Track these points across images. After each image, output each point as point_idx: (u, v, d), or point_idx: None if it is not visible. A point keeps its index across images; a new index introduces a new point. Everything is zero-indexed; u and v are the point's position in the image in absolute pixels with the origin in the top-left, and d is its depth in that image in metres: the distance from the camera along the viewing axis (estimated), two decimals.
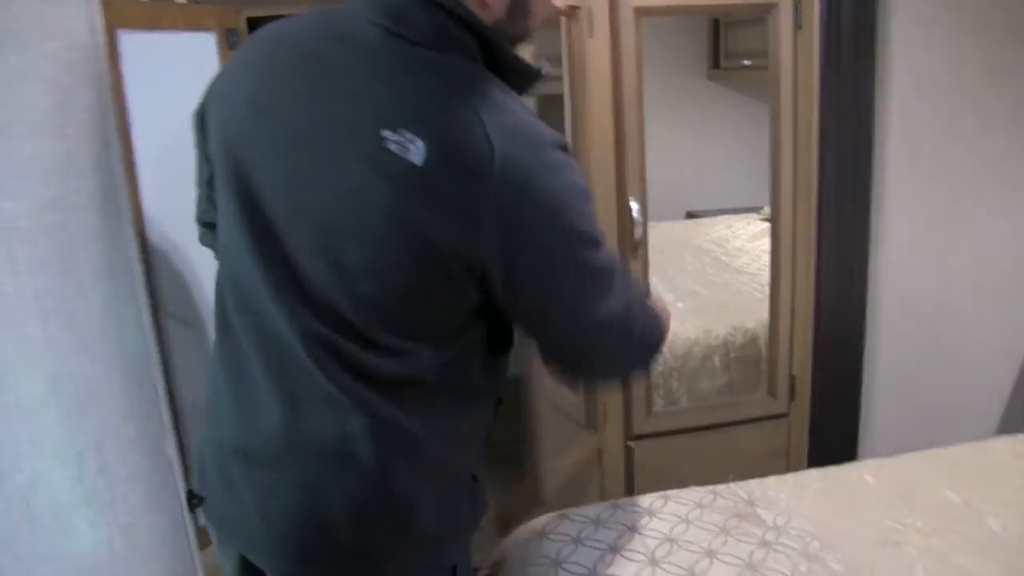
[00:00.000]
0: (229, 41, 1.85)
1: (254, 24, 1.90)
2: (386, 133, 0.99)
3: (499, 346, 1.21)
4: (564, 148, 1.07)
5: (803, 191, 2.44)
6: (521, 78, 1.14)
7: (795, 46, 2.34)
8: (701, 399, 2.78)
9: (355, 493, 1.11)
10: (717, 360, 2.82)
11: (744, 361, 2.83)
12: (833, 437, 2.62)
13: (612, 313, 1.13)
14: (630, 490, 2.52)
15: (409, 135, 0.99)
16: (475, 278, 1.04)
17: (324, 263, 1.06)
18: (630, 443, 2.50)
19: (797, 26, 2.33)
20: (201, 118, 1.20)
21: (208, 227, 1.33)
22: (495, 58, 1.09)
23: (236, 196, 1.12)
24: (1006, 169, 2.59)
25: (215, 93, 1.19)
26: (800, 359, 2.57)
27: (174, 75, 1.62)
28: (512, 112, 1.04)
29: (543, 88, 1.24)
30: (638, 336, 1.21)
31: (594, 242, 1.09)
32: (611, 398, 2.42)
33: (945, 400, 2.75)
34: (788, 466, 2.63)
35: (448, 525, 1.21)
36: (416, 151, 0.98)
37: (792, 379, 2.59)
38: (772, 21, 2.34)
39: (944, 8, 2.39)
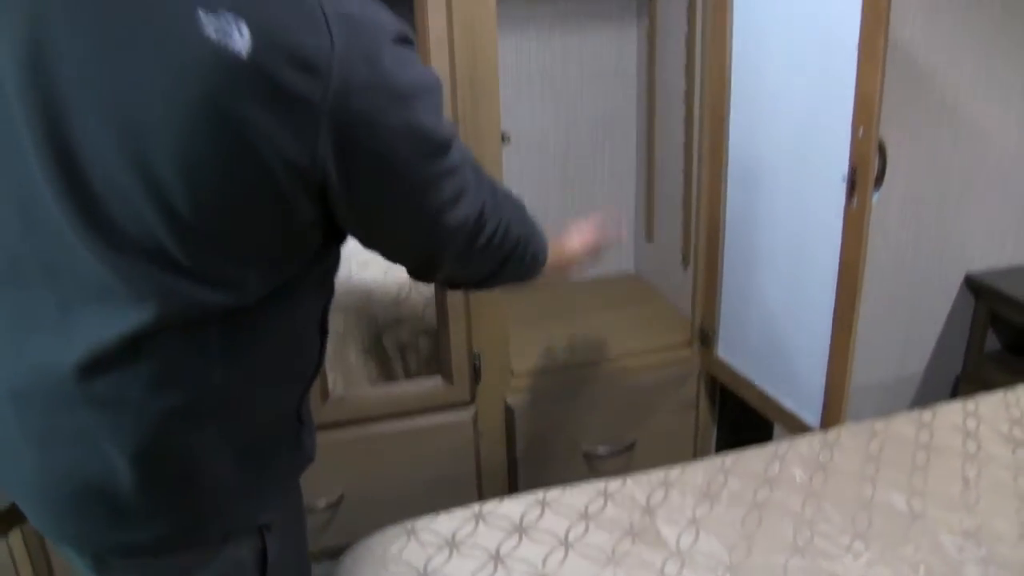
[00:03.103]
0: None
1: None
2: (201, 13, 0.81)
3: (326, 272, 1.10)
4: (408, 40, 0.94)
5: None
6: None
7: None
8: None
9: (130, 444, 0.96)
10: None
11: None
12: None
13: (462, 219, 1.05)
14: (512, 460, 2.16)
15: (231, 17, 0.82)
16: (309, 188, 0.91)
17: (133, 176, 0.86)
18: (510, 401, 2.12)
19: None
20: None
21: None
22: None
23: (25, 87, 0.87)
24: None
25: None
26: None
27: None
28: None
29: None
30: (500, 241, 1.14)
31: (443, 142, 0.98)
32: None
33: None
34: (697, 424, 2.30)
35: (252, 478, 1.07)
36: (239, 39, 0.82)
37: None
38: None
39: None
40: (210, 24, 0.81)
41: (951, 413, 1.72)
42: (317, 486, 1.94)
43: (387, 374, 2.13)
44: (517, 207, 1.20)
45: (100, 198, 0.87)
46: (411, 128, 0.93)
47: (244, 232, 0.93)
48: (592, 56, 2.51)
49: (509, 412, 2.09)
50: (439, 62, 1.74)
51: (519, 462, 2.11)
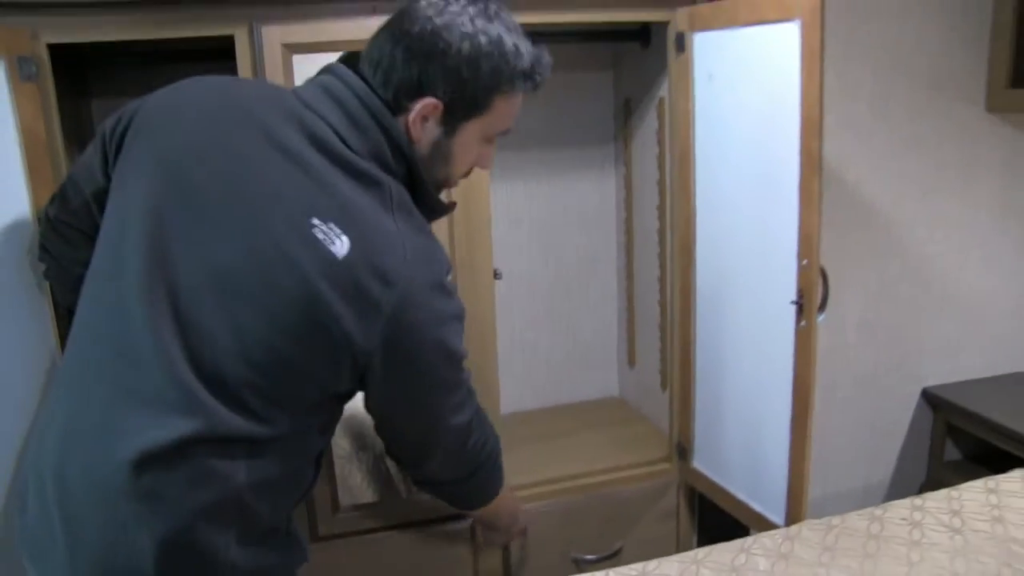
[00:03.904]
0: (23, 71, 1.58)
1: (59, 52, 1.68)
2: (315, 221, 1.12)
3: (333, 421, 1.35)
4: (449, 274, 1.27)
5: None
6: (431, 212, 1.31)
7: None
8: None
9: (160, 533, 1.10)
10: None
11: None
12: None
13: (460, 424, 1.38)
14: None
15: (337, 229, 1.12)
16: (357, 367, 1.18)
17: (220, 317, 1.12)
18: None
19: None
20: (122, 133, 1.23)
21: (47, 253, 1.46)
22: (417, 189, 1.26)
23: (147, 220, 1.14)
24: None
25: (154, 115, 1.22)
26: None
27: None
28: (426, 235, 1.25)
29: None
30: (479, 448, 1.48)
31: (459, 359, 1.31)
32: None
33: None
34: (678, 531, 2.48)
35: (257, 569, 1.22)
36: (340, 245, 1.12)
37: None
38: None
39: None
40: (320, 229, 1.11)
41: (900, 508, 1.91)
42: None
43: (389, 492, 2.32)
44: (492, 427, 1.54)
45: (186, 328, 1.11)
46: (441, 342, 1.24)
47: (295, 384, 1.18)
48: (576, 201, 2.80)
49: None
50: None
51: (513, 569, 2.27)
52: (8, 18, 1.61)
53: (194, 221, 1.14)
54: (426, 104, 1.21)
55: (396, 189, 1.21)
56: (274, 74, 1.78)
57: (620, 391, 2.99)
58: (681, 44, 2.16)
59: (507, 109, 1.28)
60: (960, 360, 2.95)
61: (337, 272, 1.11)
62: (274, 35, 1.77)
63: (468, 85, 1.21)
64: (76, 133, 1.77)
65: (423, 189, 1.26)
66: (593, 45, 2.65)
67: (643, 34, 2.49)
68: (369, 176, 1.18)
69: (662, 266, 2.50)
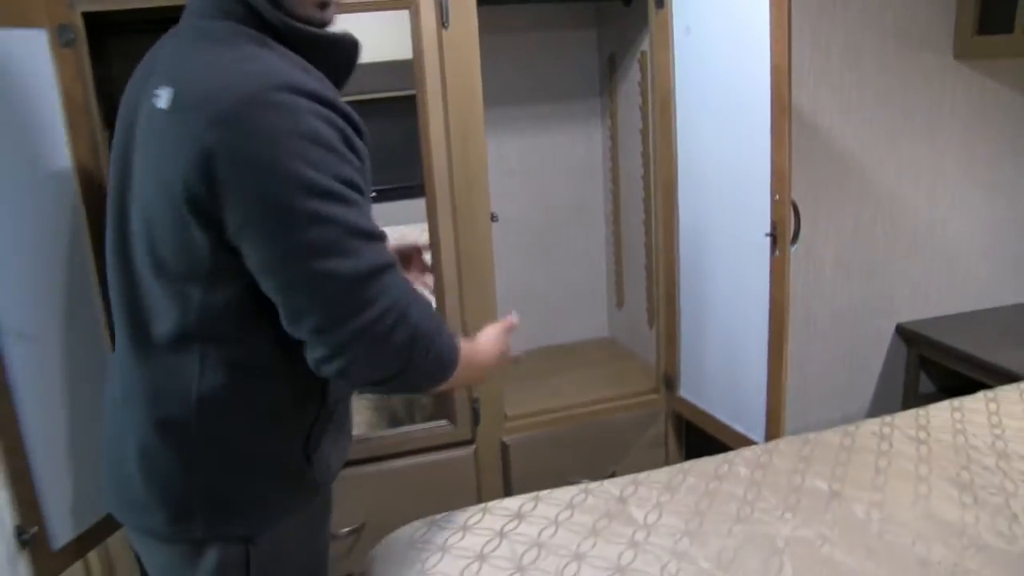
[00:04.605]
0: (62, 38, 1.73)
1: (93, 20, 1.83)
2: (152, 91, 1.14)
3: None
4: (310, 95, 1.09)
5: None
6: (304, 42, 1.19)
7: None
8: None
9: (140, 441, 1.23)
10: None
11: None
12: None
13: (332, 271, 1.09)
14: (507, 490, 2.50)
15: (162, 87, 1.12)
16: (197, 212, 1.08)
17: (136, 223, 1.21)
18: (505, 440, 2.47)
19: None
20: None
21: None
22: (268, 23, 1.17)
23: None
24: None
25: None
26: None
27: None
28: (259, 60, 1.11)
29: None
30: (393, 324, 1.14)
31: (322, 191, 1.07)
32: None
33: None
34: (667, 456, 2.66)
35: (235, 494, 1.27)
36: (163, 97, 1.10)
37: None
38: None
39: None
40: (155, 95, 1.13)
41: (871, 425, 2.08)
42: (340, 516, 2.26)
43: (397, 424, 2.49)
44: (424, 303, 1.22)
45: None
46: (281, 167, 1.04)
47: (173, 249, 1.15)
48: (565, 151, 2.97)
49: (504, 449, 2.45)
50: (439, 159, 2.17)
51: (513, 491, 2.45)
52: None
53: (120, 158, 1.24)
54: None
55: (227, 29, 1.15)
56: None
57: (610, 331, 3.17)
58: (660, 1, 2.31)
59: None
60: (931, 298, 3.13)
61: (161, 121, 1.10)
62: None
63: None
64: (102, 96, 1.92)
65: (270, 15, 1.16)
66: (578, 5, 2.81)
67: None
68: (200, 29, 1.17)
69: (647, 210, 2.66)
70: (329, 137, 1.09)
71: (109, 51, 2.28)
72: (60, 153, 1.73)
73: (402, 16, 2.11)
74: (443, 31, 2.11)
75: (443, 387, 1.31)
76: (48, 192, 1.70)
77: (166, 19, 2.10)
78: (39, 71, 1.68)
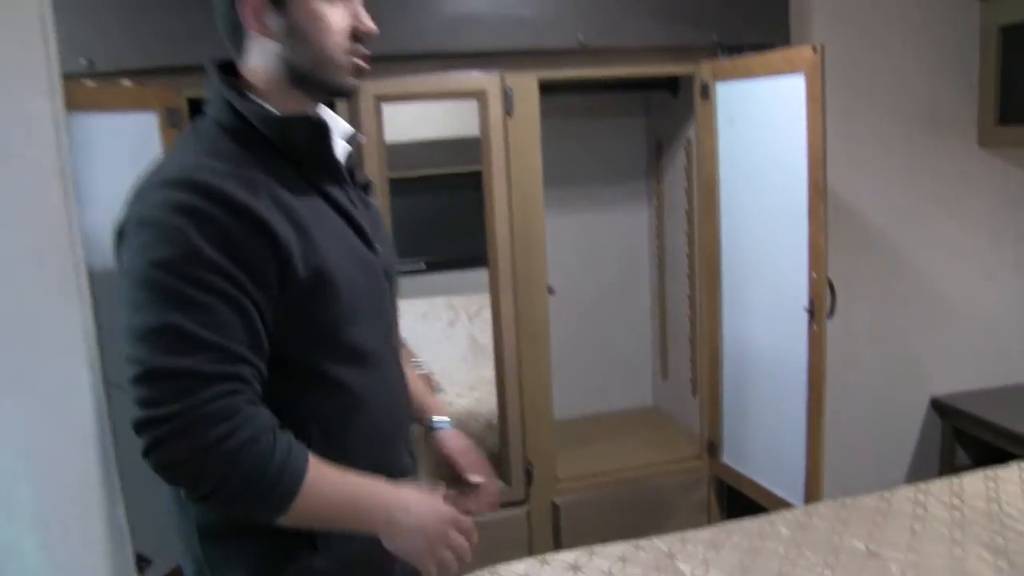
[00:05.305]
0: (170, 120, 1.98)
1: (195, 105, 2.05)
2: None
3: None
4: (183, 185, 1.07)
5: None
6: (328, 92, 1.24)
7: None
8: None
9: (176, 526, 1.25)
10: None
11: None
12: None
13: (144, 328, 1.05)
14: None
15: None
16: None
17: None
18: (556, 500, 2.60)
19: None
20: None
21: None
22: (238, 115, 1.17)
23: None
24: None
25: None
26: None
27: (120, 152, 1.79)
28: (180, 155, 1.16)
29: None
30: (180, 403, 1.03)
31: (156, 262, 1.05)
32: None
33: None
34: (709, 519, 2.74)
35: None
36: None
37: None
38: None
39: None
40: None
41: (906, 491, 2.19)
42: None
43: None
44: (258, 422, 1.07)
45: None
46: (133, 248, 1.07)
47: None
48: (615, 228, 3.18)
49: (555, 509, 2.59)
50: (502, 232, 2.37)
51: (564, 549, 2.57)
52: (160, 78, 2.01)
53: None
54: (244, 5, 1.16)
55: (188, 130, 1.22)
56: (367, 119, 2.16)
57: (654, 400, 3.31)
58: (706, 92, 2.52)
59: None
60: (964, 371, 3.23)
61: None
62: (368, 88, 2.14)
63: None
64: None
65: (240, 106, 1.16)
66: (629, 95, 3.04)
67: (672, 84, 2.86)
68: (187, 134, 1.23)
69: (691, 285, 2.83)
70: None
71: None
72: None
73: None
74: (508, 118, 2.32)
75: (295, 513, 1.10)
76: None
77: None
78: (151, 147, 1.91)
